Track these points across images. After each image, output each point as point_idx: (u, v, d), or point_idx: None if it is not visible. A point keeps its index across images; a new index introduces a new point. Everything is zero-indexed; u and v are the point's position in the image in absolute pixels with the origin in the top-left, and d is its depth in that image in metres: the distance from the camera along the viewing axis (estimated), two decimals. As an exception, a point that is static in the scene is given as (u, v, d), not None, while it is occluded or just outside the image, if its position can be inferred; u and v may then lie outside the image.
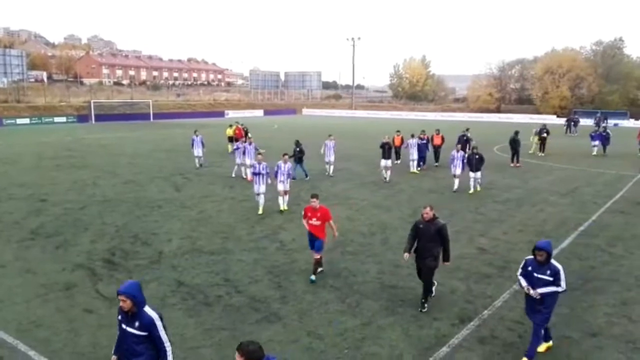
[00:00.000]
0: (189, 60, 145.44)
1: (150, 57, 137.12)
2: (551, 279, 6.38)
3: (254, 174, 14.17)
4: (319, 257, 9.28)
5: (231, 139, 28.00)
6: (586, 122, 56.87)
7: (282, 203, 14.47)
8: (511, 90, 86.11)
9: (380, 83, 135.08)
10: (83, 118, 55.81)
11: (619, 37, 78.10)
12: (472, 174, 17.21)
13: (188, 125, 50.65)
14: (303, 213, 9.38)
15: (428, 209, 7.99)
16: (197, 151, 22.48)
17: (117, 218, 13.66)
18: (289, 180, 14.40)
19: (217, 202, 15.68)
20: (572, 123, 44.78)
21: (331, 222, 9.24)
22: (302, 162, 19.76)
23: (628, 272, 9.83)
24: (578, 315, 7.93)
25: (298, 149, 19.71)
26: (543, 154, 27.27)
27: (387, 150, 18.56)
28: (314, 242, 9.28)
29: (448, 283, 9.16)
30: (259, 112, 74.95)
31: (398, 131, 23.83)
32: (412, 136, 21.77)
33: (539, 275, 6.44)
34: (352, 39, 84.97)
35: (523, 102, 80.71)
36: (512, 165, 23.59)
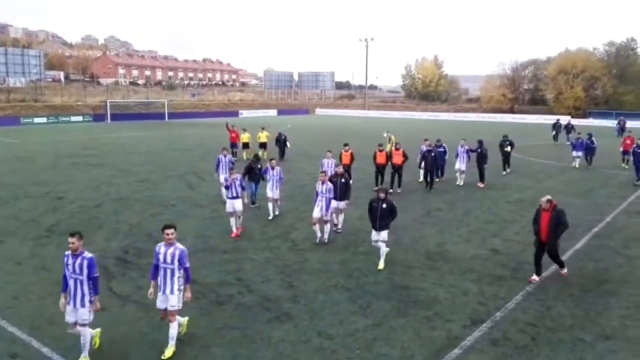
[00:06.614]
0: (204, 60, 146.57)
1: (165, 58, 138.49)
2: None
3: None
4: None
5: (263, 145, 25.32)
6: (601, 123, 55.81)
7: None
8: (524, 91, 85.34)
9: (393, 83, 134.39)
10: (99, 117, 56.50)
11: (630, 37, 76.87)
12: (373, 234, 10.01)
13: (202, 125, 51.18)
14: None
15: None
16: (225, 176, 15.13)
17: (131, 216, 13.83)
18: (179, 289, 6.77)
19: (229, 201, 15.75)
20: (565, 129, 35.22)
21: None
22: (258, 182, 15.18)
23: (645, 276, 9.65)
24: (592, 318, 7.82)
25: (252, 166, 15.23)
26: (508, 171, 21.19)
27: (341, 186, 12.05)
28: None
29: (460, 284, 9.10)
30: (273, 112, 75.23)
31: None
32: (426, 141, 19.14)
33: None
34: (365, 39, 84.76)
35: (537, 103, 79.91)
36: (479, 184, 18.49)
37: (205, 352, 6.78)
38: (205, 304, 8.28)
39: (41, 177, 20.02)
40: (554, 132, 36.15)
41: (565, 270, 9.44)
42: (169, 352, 6.65)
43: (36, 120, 52.15)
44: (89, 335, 6.51)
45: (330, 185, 11.56)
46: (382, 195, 9.89)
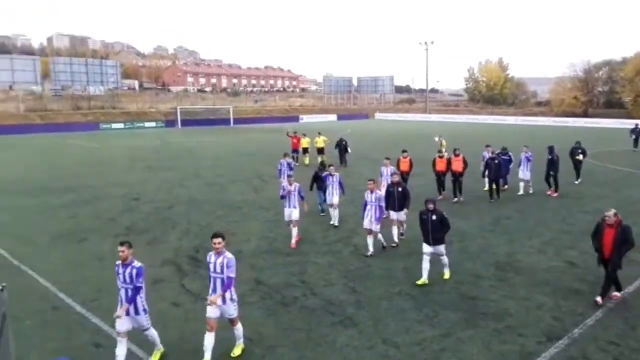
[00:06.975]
0: (266, 67, 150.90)
1: (230, 66, 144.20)
2: None
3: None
4: None
5: (320, 150, 25.02)
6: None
7: None
8: (599, 94, 79.46)
9: (456, 86, 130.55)
10: (170, 123, 59.88)
11: None
12: (425, 247, 9.27)
13: (265, 130, 52.57)
14: None
15: None
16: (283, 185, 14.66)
17: (201, 217, 14.45)
18: None
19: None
20: None
21: None
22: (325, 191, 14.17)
23: None
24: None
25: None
26: (578, 182, 19.37)
27: (398, 195, 11.42)
28: None
29: (533, 297, 8.64)
30: (333, 117, 75.82)
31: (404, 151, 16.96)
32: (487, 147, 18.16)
33: None
34: (425, 42, 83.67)
35: (613, 106, 74.00)
36: (549, 193, 17.46)
37: (272, 352, 6.93)
38: (271, 304, 8.47)
39: (119, 179, 21.44)
40: (633, 137, 33.35)
41: (619, 294, 8.55)
42: (237, 350, 6.87)
43: (114, 125, 56.10)
44: (155, 332, 6.73)
45: (379, 193, 11.01)
46: (430, 206, 9.17)
